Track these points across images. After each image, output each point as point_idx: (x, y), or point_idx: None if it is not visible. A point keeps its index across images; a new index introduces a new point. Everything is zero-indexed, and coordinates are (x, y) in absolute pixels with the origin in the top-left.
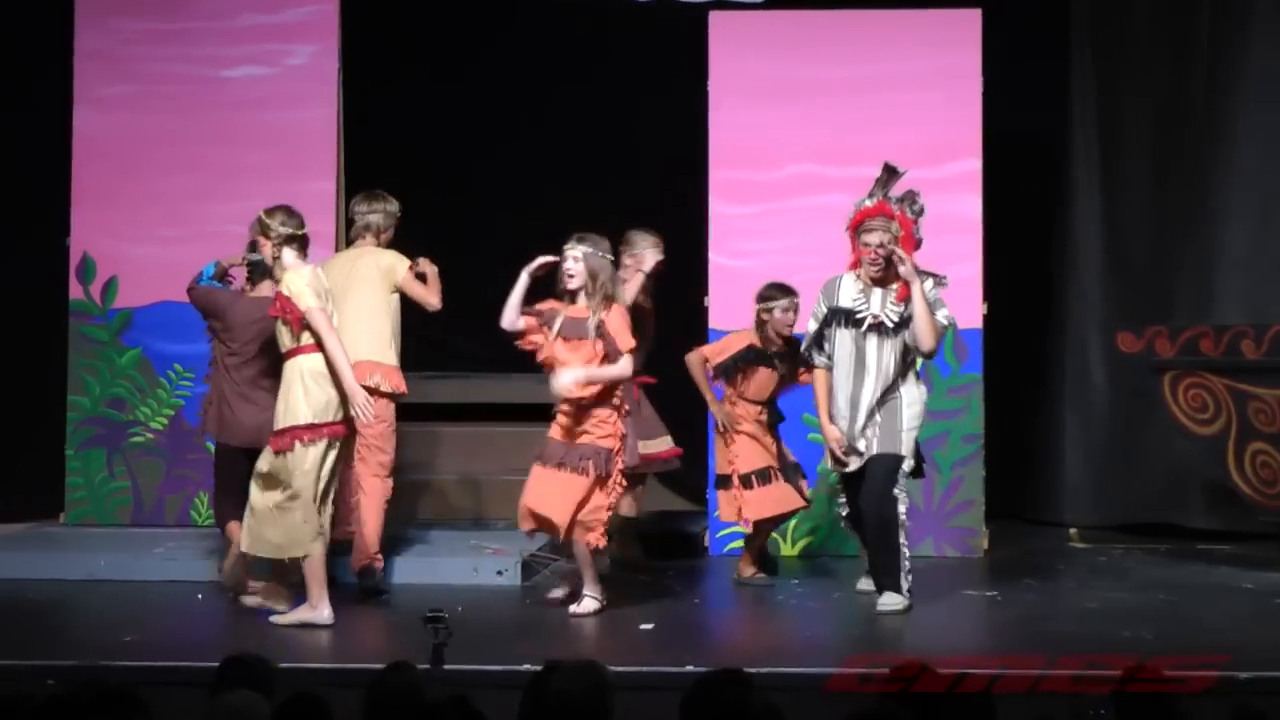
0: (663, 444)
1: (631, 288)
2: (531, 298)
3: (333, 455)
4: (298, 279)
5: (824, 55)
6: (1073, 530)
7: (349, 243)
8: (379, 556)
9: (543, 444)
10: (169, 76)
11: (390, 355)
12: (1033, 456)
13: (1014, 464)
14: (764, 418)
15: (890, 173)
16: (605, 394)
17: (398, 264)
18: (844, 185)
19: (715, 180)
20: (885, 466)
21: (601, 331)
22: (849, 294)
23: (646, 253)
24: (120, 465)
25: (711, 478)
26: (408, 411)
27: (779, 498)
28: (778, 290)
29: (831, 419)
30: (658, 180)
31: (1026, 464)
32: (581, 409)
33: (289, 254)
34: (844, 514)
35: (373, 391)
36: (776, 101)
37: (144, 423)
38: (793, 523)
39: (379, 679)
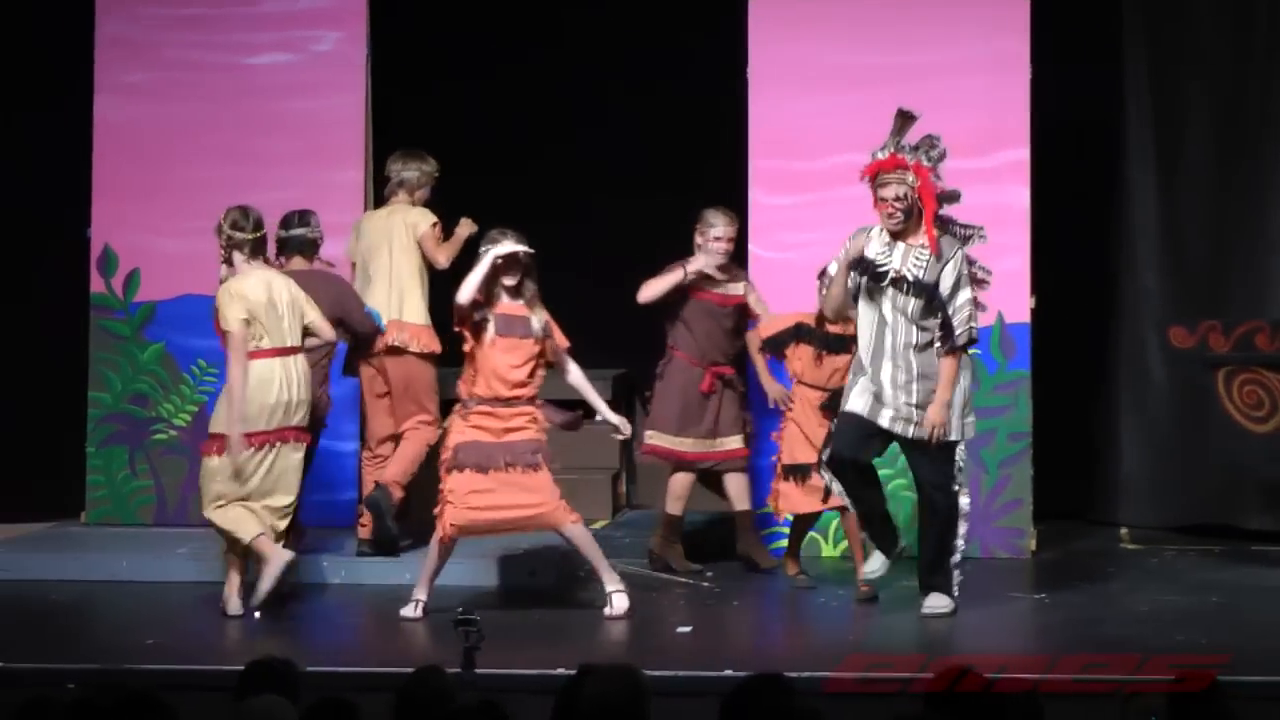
0: (734, 442)
1: (701, 264)
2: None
3: (271, 459)
4: (226, 294)
5: (867, 42)
6: (1124, 531)
7: (383, 200)
8: (398, 486)
9: (468, 449)
10: (192, 64)
11: (419, 314)
12: (1085, 455)
13: (1064, 463)
14: (823, 403)
15: (905, 118)
16: (535, 393)
17: (421, 220)
18: None
19: (755, 170)
20: (943, 453)
21: (549, 331)
22: (875, 246)
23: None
24: (142, 463)
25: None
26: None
27: (814, 496)
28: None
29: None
30: (696, 170)
31: (1078, 463)
32: (512, 408)
33: (238, 258)
34: (825, 459)
35: (401, 351)
36: (818, 89)
37: (167, 419)
38: (834, 522)
39: (408, 683)
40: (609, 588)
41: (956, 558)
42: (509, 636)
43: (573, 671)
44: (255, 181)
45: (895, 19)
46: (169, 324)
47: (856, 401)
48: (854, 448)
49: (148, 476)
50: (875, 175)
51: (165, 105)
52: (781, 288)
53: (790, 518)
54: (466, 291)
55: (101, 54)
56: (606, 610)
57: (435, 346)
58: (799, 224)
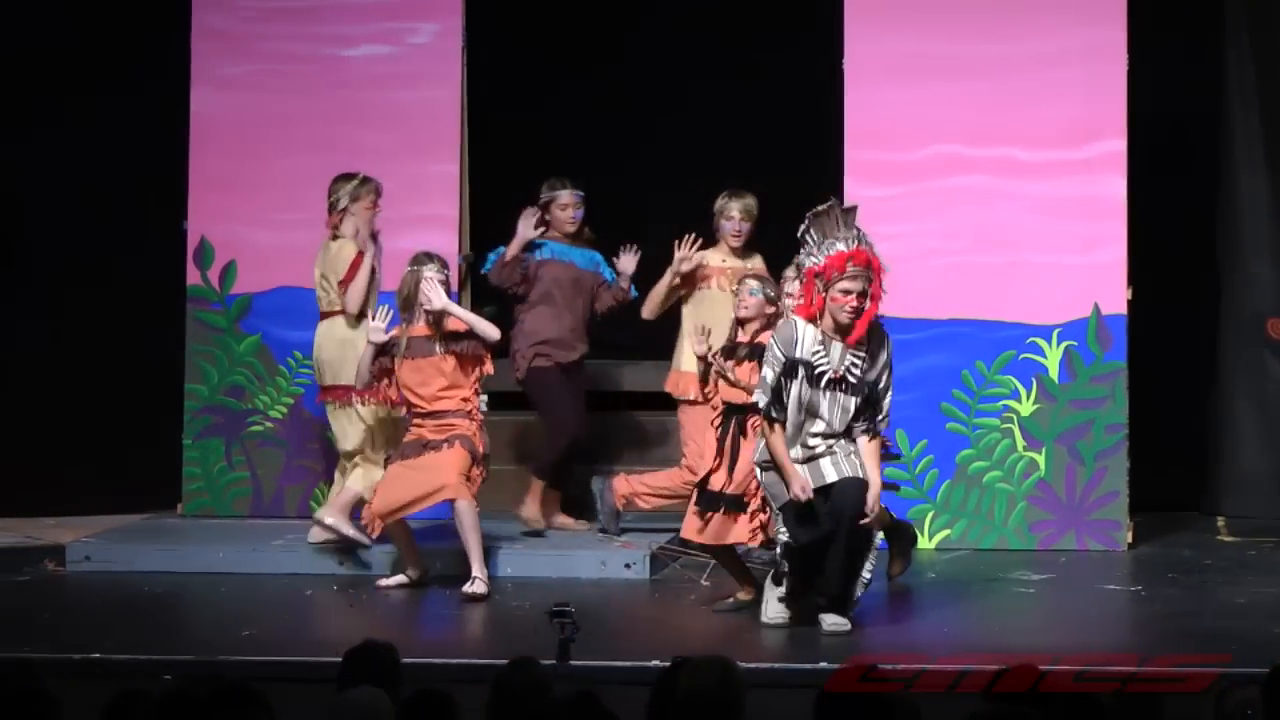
0: None
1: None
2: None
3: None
4: None
5: (962, 32)
6: (1221, 524)
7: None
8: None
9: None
10: (288, 55)
11: None
12: (1187, 446)
13: (1163, 454)
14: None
15: (846, 210)
16: (466, 403)
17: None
18: (985, 166)
19: (851, 161)
20: (862, 489)
21: (457, 338)
22: (808, 345)
23: None
24: (239, 455)
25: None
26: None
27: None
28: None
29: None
30: (792, 162)
31: (1178, 454)
32: (440, 422)
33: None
34: (784, 539)
35: None
36: (914, 79)
37: (263, 411)
38: (929, 515)
39: (503, 675)
40: (474, 572)
41: (866, 579)
42: (604, 628)
43: (667, 663)
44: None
45: (991, 9)
46: (265, 316)
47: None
48: (816, 531)
49: (244, 468)
50: (840, 270)
51: (261, 97)
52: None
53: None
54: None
55: (198, 46)
56: (466, 587)
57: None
58: (894, 215)
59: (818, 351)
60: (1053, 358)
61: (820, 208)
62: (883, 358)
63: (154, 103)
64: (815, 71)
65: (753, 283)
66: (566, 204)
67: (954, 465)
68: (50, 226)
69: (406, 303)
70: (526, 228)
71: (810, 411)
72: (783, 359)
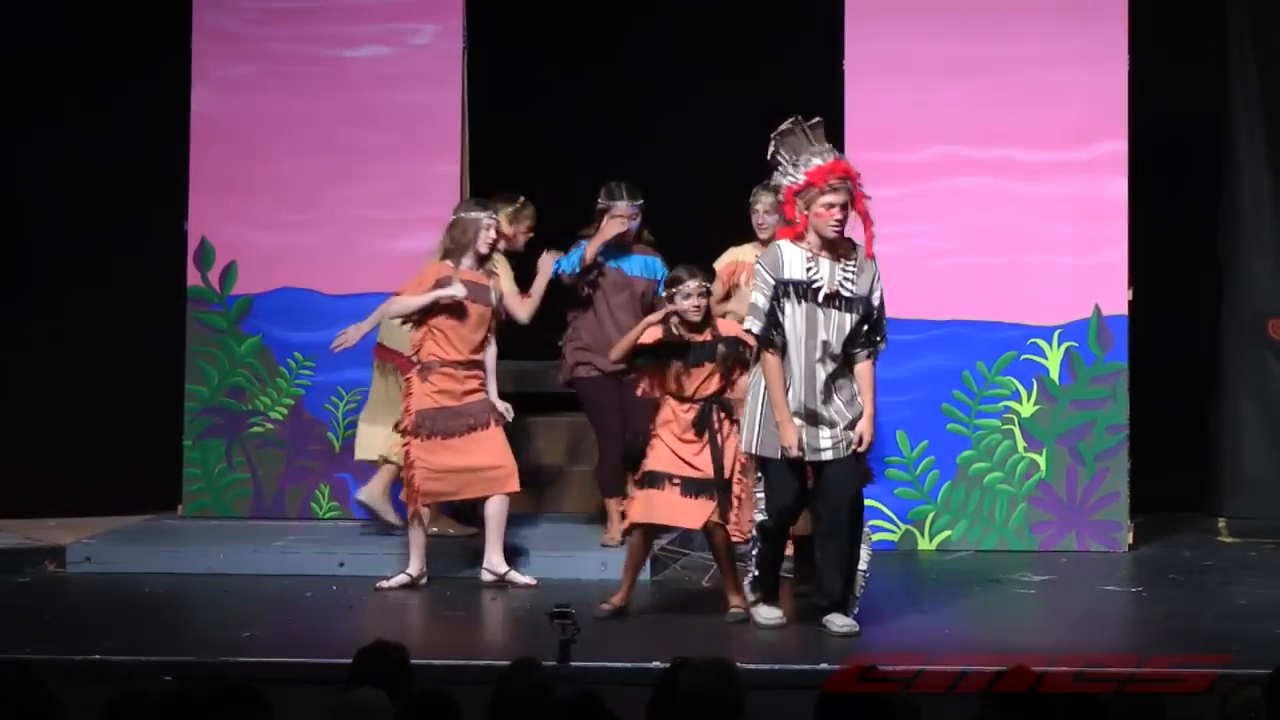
0: None
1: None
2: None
3: None
4: None
5: (963, 33)
6: (1222, 524)
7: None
8: None
9: (422, 418)
10: (289, 56)
11: None
12: (1187, 448)
13: (1163, 456)
14: (690, 416)
15: (814, 126)
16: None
17: None
18: (986, 167)
19: (852, 161)
20: (859, 462)
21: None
22: (797, 264)
23: None
24: (239, 456)
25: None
26: (536, 402)
27: (661, 508)
28: (685, 272)
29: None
30: None
31: (1179, 455)
32: (471, 373)
33: None
34: (758, 520)
35: None
36: (915, 80)
37: (263, 412)
38: (930, 516)
39: (505, 676)
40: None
41: (864, 569)
42: (605, 629)
43: (667, 665)
44: (352, 174)
45: (992, 10)
46: (266, 317)
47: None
48: (797, 497)
49: (244, 469)
50: (821, 183)
51: (262, 98)
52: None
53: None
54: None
55: (199, 47)
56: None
57: None
58: (895, 216)
59: (810, 268)
60: (1054, 359)
61: (784, 126)
62: (871, 271)
63: (155, 103)
64: (816, 72)
65: (704, 285)
66: (620, 215)
67: (955, 466)
68: (51, 227)
69: (462, 248)
70: (610, 229)
71: (812, 336)
72: (772, 282)
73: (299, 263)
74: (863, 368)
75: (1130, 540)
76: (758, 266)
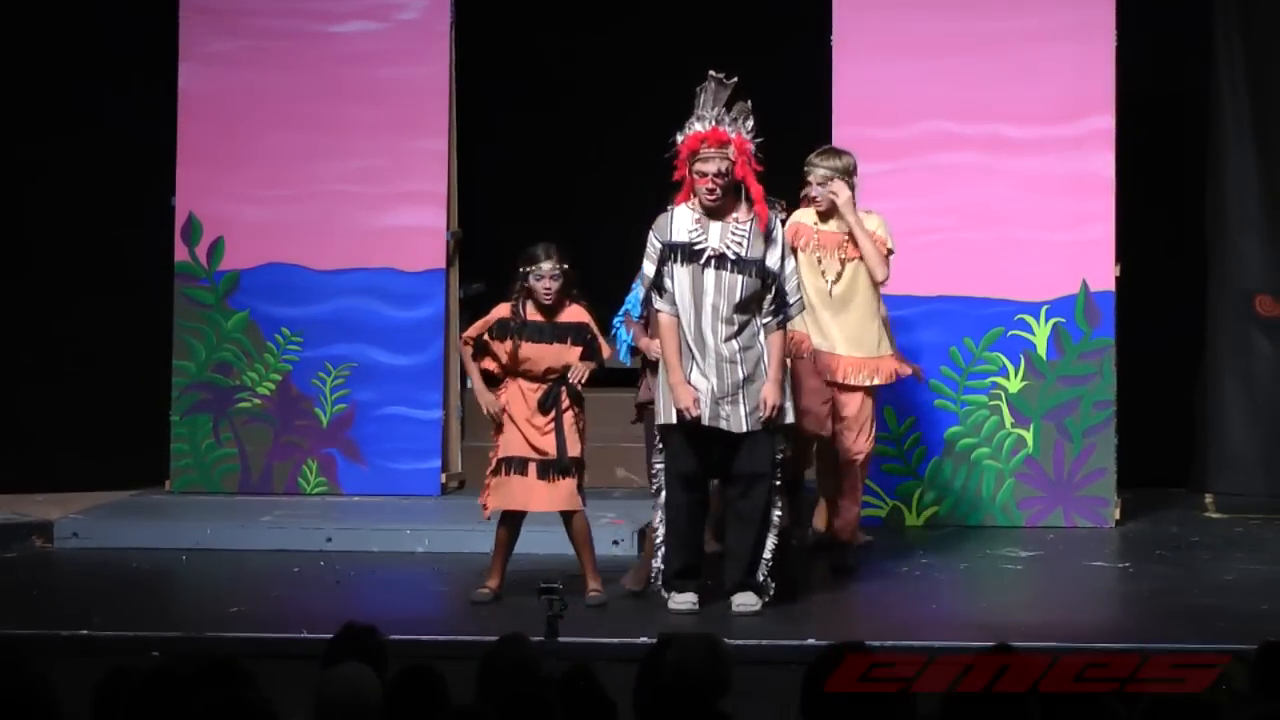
0: None
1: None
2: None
3: None
4: None
5: (950, 8)
6: (1209, 500)
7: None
8: None
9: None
10: (277, 31)
11: None
12: (1174, 424)
13: (1151, 432)
14: (537, 396)
15: (720, 85)
16: None
17: None
18: (974, 142)
19: (840, 137)
20: (769, 439)
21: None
22: (684, 226)
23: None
24: (227, 432)
25: None
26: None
27: (518, 494)
28: (542, 252)
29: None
30: (779, 138)
31: (1166, 432)
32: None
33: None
34: (662, 495)
35: None
36: (904, 55)
37: (251, 388)
38: (917, 492)
39: (492, 652)
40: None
41: (769, 551)
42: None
43: (654, 640)
44: (339, 150)
45: None
46: (253, 292)
47: (691, 379)
48: (696, 460)
49: (232, 445)
50: (695, 150)
51: (249, 73)
52: None
53: None
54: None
55: (186, 22)
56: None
57: None
58: (882, 192)
59: (694, 230)
60: (1041, 334)
61: (707, 80)
62: (777, 233)
63: (142, 78)
64: (803, 47)
65: (557, 268)
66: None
67: (942, 442)
68: (36, 202)
69: (525, 293)
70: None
71: (697, 299)
72: (658, 246)
73: (286, 238)
74: (771, 337)
75: (1117, 516)
76: (650, 233)
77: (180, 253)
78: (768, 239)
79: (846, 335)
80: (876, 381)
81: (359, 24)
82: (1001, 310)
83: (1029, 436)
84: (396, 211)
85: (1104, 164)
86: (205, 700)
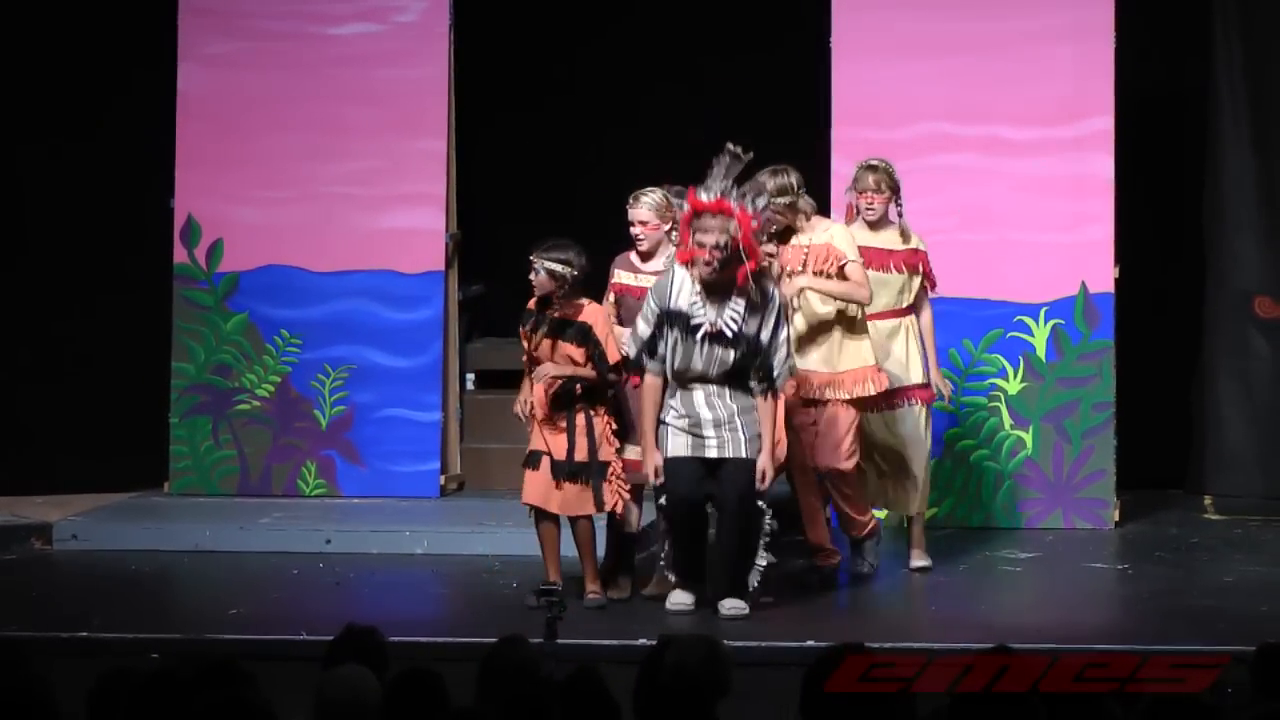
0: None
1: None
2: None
3: None
4: None
5: (950, 9)
6: (1208, 501)
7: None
8: None
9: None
10: (275, 34)
11: None
12: (1173, 425)
13: (1150, 433)
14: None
15: (734, 158)
16: None
17: None
18: (973, 144)
19: (838, 138)
20: (748, 471)
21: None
22: (685, 296)
23: None
24: (226, 434)
25: None
26: (503, 379)
27: (532, 490)
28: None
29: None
30: (778, 140)
31: (1165, 433)
32: None
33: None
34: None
35: None
36: (902, 56)
37: (250, 390)
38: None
39: (492, 653)
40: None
41: (760, 563)
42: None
43: (654, 642)
44: (338, 151)
45: None
46: (252, 294)
47: (676, 443)
48: (691, 485)
49: (231, 447)
50: (695, 217)
51: (248, 75)
52: None
53: None
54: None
55: (185, 23)
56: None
57: None
58: None
59: (695, 303)
60: (1040, 336)
61: (723, 152)
62: (771, 309)
63: (141, 80)
64: (802, 49)
65: (537, 261)
66: None
67: (941, 443)
68: (35, 203)
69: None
70: None
71: (688, 369)
72: (657, 310)
73: (285, 240)
74: (760, 403)
75: (1116, 518)
76: (650, 293)
77: (179, 254)
78: (764, 311)
79: (830, 350)
80: (841, 396)
81: (358, 26)
82: (1000, 312)
83: (1028, 438)
84: (395, 213)
85: (1103, 165)
86: (205, 701)
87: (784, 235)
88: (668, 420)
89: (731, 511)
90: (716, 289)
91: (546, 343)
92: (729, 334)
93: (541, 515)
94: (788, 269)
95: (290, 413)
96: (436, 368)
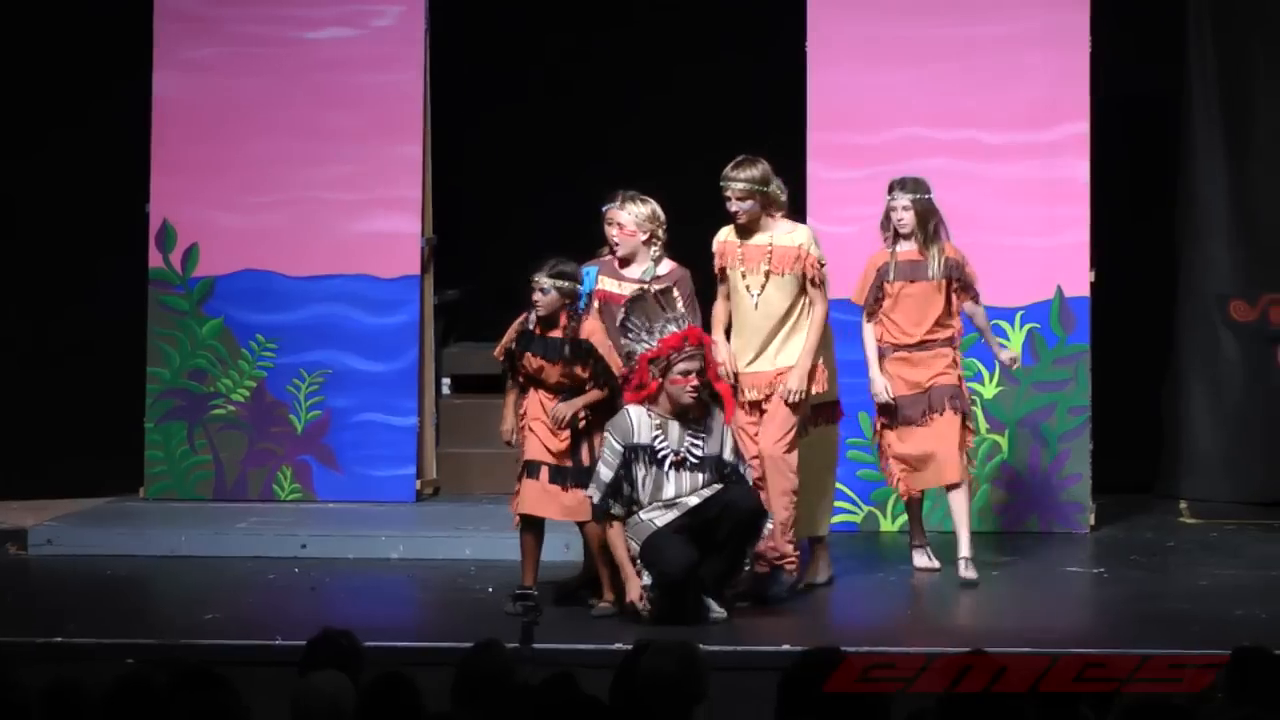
0: None
1: None
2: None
3: None
4: None
5: (926, 14)
6: (1183, 506)
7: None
8: None
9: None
10: (252, 38)
11: None
12: (1148, 429)
13: (1125, 437)
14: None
15: (663, 292)
16: None
17: None
18: (948, 149)
19: (814, 143)
20: (745, 488)
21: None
22: (645, 430)
23: None
24: (201, 438)
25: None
26: (480, 383)
27: (530, 498)
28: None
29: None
30: (755, 144)
31: (1140, 437)
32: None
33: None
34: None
35: None
36: (878, 62)
37: (225, 395)
38: (892, 497)
39: (467, 658)
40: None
41: (741, 569)
42: (567, 611)
43: (630, 646)
44: (314, 156)
45: None
46: (228, 299)
47: (661, 519)
48: (679, 547)
49: (206, 452)
50: (676, 350)
51: (224, 80)
52: (839, 262)
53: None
54: None
55: (161, 29)
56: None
57: None
58: (857, 198)
59: (656, 435)
60: (1016, 340)
61: (635, 294)
62: (716, 426)
63: (117, 85)
64: (778, 54)
65: (545, 281)
66: None
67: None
68: (10, 208)
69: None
70: None
71: (659, 492)
72: (620, 451)
73: (261, 245)
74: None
75: (1092, 522)
76: (607, 435)
77: (154, 259)
78: (712, 425)
79: (776, 348)
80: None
81: (334, 30)
82: None
83: (1004, 442)
84: (371, 218)
85: (1079, 170)
86: (182, 706)
87: (746, 231)
88: (646, 515)
89: (743, 520)
90: (678, 418)
91: (550, 365)
92: (694, 459)
93: (528, 524)
94: (759, 266)
95: (266, 417)
96: (413, 372)
